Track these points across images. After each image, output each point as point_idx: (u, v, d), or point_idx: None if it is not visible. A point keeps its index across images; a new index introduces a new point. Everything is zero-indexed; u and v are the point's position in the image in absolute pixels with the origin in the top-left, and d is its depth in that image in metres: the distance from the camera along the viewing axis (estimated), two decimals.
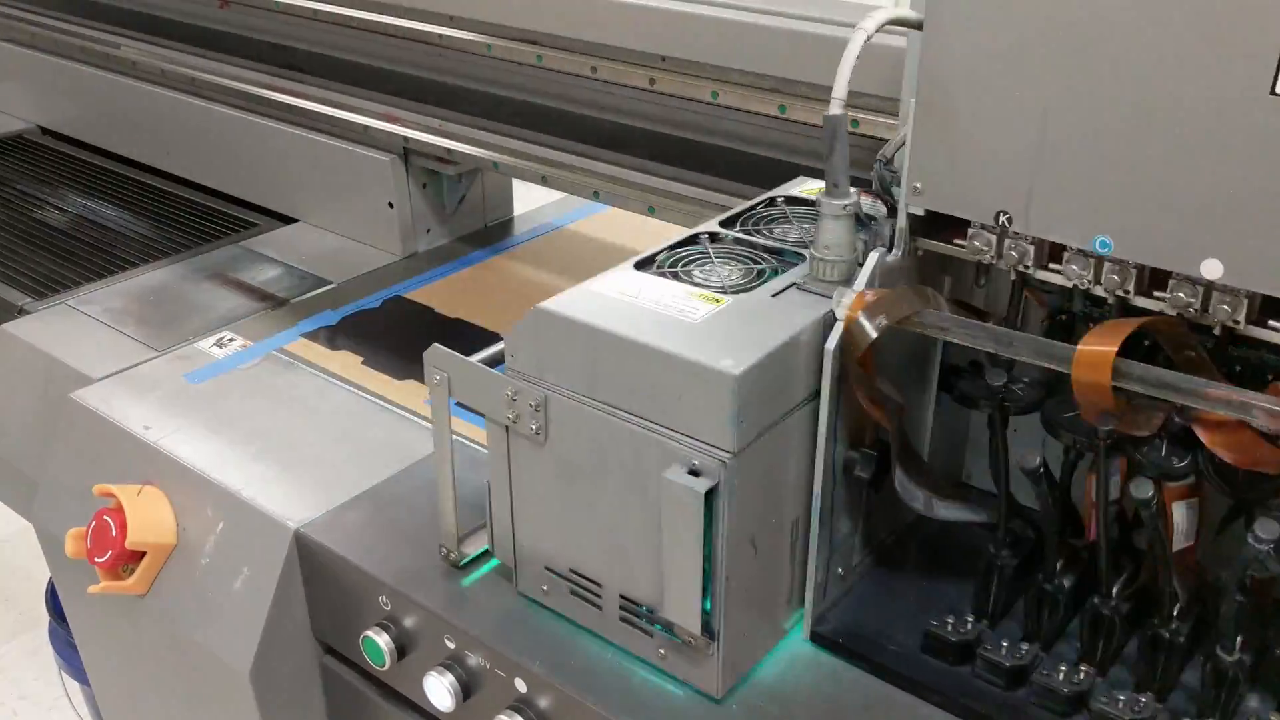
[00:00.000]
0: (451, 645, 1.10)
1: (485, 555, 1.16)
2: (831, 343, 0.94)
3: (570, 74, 1.65)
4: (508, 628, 1.08)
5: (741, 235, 1.14)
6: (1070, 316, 0.99)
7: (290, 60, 2.09)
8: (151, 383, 1.48)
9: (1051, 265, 0.93)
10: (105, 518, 1.29)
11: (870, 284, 0.96)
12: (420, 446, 1.33)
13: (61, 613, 1.95)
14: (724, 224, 1.16)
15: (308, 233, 1.97)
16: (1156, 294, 0.88)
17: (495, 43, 1.72)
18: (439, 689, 1.10)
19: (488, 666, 1.08)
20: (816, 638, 1.07)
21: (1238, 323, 0.84)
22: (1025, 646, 1.01)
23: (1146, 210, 0.84)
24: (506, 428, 1.05)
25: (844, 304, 0.94)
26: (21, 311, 1.71)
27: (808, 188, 1.26)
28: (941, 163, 0.94)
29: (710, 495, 0.91)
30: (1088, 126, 0.85)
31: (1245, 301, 0.83)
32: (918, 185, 0.95)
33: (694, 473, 0.92)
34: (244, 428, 1.38)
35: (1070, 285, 0.92)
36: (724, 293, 1.01)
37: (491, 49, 1.72)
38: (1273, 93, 0.76)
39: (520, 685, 1.05)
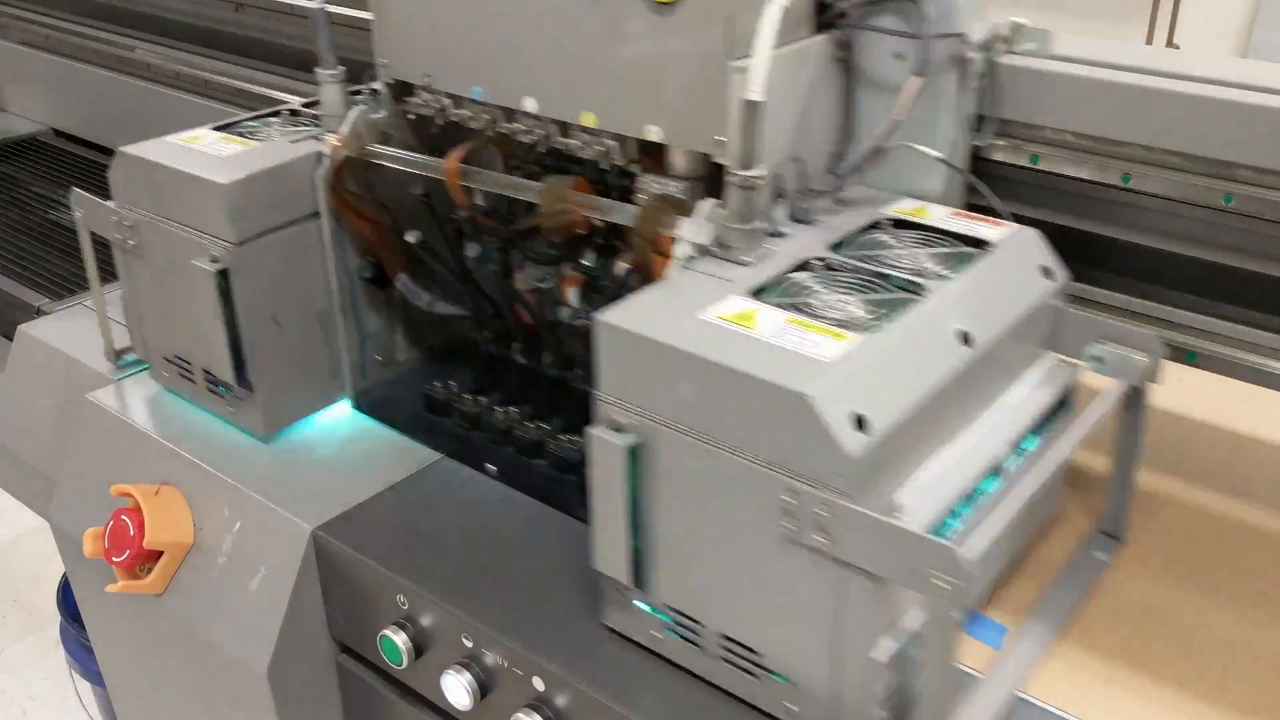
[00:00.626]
0: (469, 644, 1.11)
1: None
2: (319, 171, 1.30)
3: None
4: (525, 625, 1.09)
5: (317, 113, 1.38)
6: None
7: (304, 63, 2.10)
8: None
9: (463, 112, 1.26)
10: (123, 517, 1.30)
11: (353, 132, 1.29)
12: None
13: (74, 613, 1.96)
14: (306, 105, 1.45)
15: None
16: (514, 126, 1.22)
17: None
18: (456, 687, 1.10)
19: (505, 665, 1.08)
20: (358, 404, 1.42)
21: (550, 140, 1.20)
22: (484, 399, 1.32)
23: (491, 68, 1.19)
24: (120, 248, 1.41)
25: (326, 141, 1.30)
26: (39, 312, 1.72)
27: None
28: (390, 40, 1.29)
29: (225, 276, 1.26)
30: (455, 8, 1.19)
31: (554, 126, 1.19)
32: (384, 60, 1.30)
33: (213, 259, 1.26)
34: None
35: (473, 126, 1.25)
36: (261, 142, 1.34)
37: None
38: None
39: (538, 683, 1.06)
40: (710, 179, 1.10)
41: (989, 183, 1.21)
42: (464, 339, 1.37)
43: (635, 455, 0.94)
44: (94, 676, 2.06)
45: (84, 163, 2.39)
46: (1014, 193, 1.26)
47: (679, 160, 1.11)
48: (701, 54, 1.02)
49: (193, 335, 1.34)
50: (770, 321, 0.93)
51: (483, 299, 1.30)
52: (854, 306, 0.97)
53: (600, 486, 0.97)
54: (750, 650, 0.96)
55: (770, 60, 0.96)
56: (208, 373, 1.36)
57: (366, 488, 1.27)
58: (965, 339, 0.96)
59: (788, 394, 0.83)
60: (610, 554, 1.00)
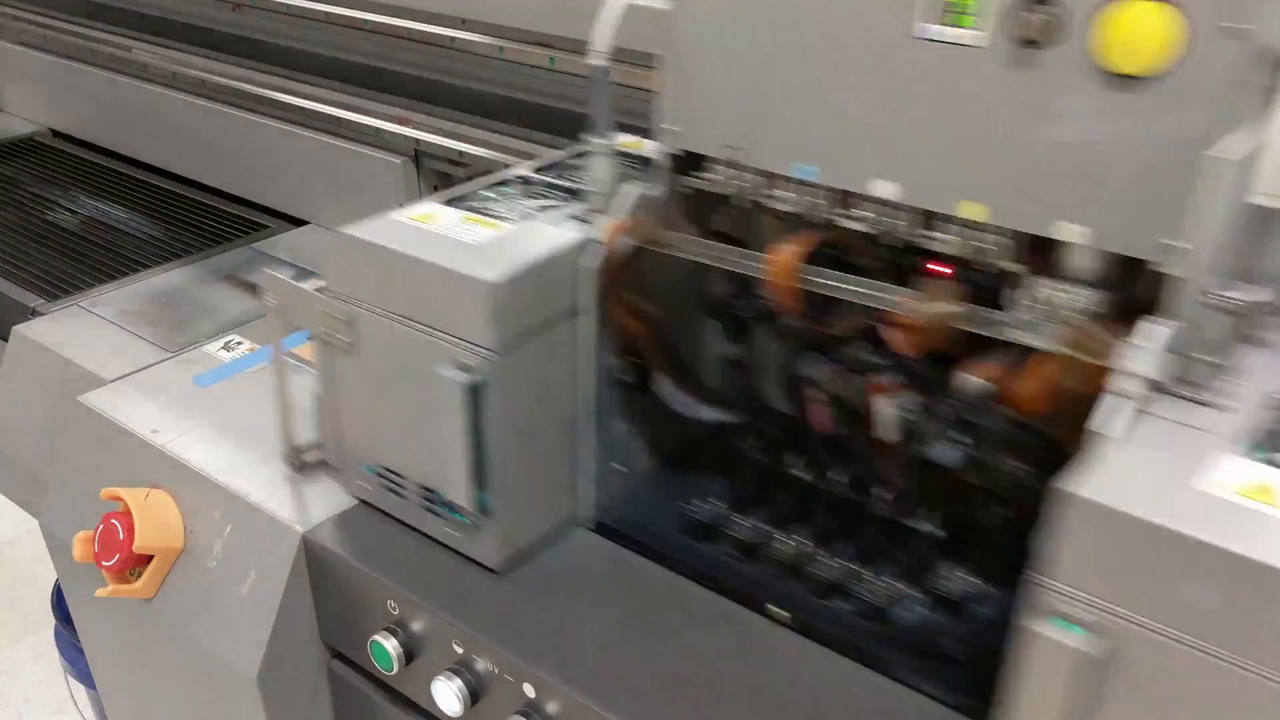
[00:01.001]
0: (460, 650, 1.09)
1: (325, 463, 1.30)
2: (588, 261, 1.10)
3: (584, 76, 1.64)
4: (517, 632, 1.07)
5: (550, 179, 1.27)
6: None
7: (302, 63, 2.09)
8: (160, 385, 1.48)
9: (776, 193, 1.07)
10: (113, 521, 1.28)
11: (634, 214, 1.11)
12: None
13: (68, 616, 1.95)
14: (539, 170, 1.30)
15: (318, 235, 1.96)
16: (853, 213, 1.03)
17: (508, 46, 1.71)
18: (447, 694, 1.09)
19: (496, 671, 1.07)
20: (596, 525, 1.22)
21: (908, 235, 1.00)
22: (760, 525, 1.16)
23: (835, 142, 1.00)
24: (326, 342, 1.19)
25: (600, 228, 1.10)
26: (34, 313, 1.71)
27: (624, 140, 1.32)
28: (686, 107, 1.09)
29: (477, 389, 1.05)
30: (785, 73, 1.00)
31: (915, 216, 0.99)
32: (671, 128, 1.10)
33: (464, 369, 1.05)
34: (252, 431, 1.38)
35: (788, 209, 1.07)
36: (507, 221, 1.15)
37: (504, 52, 1.72)
38: (911, 36, 0.91)
39: (529, 690, 1.04)
40: (1119, 289, 0.91)
41: None
42: (720, 449, 1.23)
43: (1096, 665, 0.75)
44: (89, 679, 2.05)
45: (81, 163, 2.39)
46: None
47: (1083, 264, 0.91)
48: (1171, 140, 0.82)
49: (416, 448, 1.15)
50: None
51: (759, 404, 1.17)
52: None
53: (1036, 697, 0.78)
54: None
55: None
56: (426, 490, 1.17)
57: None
58: None
59: None
60: None
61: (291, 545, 1.21)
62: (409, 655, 1.14)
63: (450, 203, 1.20)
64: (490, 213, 1.17)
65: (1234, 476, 0.75)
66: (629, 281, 1.11)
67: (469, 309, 1.04)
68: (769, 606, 1.08)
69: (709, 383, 1.24)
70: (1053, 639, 0.76)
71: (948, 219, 0.96)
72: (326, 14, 1.99)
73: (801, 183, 1.04)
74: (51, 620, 2.14)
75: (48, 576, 2.12)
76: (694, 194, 1.13)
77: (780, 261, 1.02)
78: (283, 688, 1.25)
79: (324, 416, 1.25)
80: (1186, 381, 0.83)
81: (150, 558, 1.29)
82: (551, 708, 1.03)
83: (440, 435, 1.08)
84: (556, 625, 1.08)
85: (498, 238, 1.11)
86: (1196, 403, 0.83)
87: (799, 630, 1.07)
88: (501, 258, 1.06)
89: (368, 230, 1.12)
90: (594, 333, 1.12)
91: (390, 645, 1.14)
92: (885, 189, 0.98)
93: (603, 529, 1.21)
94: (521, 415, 1.11)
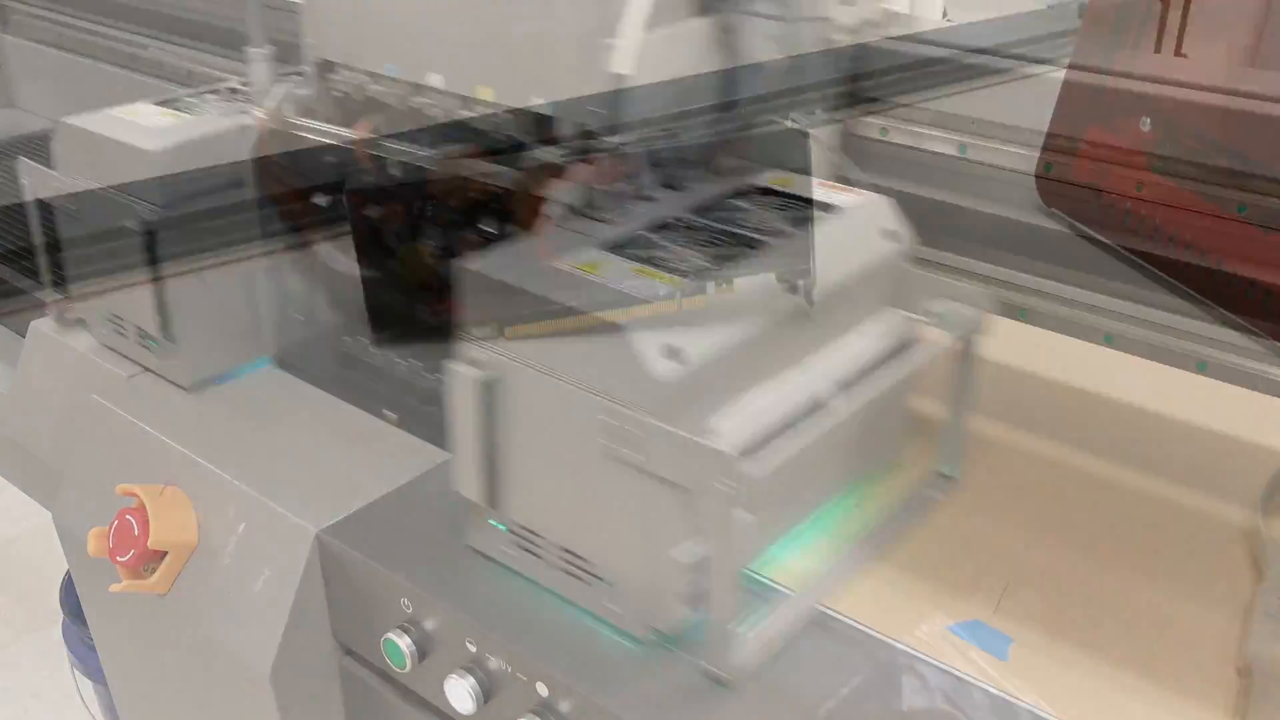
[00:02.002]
0: (473, 648, 1.10)
1: None
2: (246, 142, 1.40)
3: None
4: (531, 631, 1.08)
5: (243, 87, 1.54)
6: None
7: None
8: (176, 383, 1.49)
9: (376, 88, 1.33)
10: (128, 517, 1.29)
11: (279, 107, 1.39)
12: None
13: (77, 610, 1.96)
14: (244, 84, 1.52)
15: None
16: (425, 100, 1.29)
17: None
18: (460, 692, 1.10)
19: (509, 670, 1.08)
20: (278, 362, 1.53)
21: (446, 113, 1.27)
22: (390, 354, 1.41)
23: (402, 46, 1.28)
24: None
25: (253, 117, 1.40)
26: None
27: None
28: (316, 23, 1.37)
29: (153, 234, 1.35)
30: None
31: (456, 100, 1.25)
32: (310, 41, 1.38)
33: (144, 222, 1.36)
34: (267, 429, 1.39)
35: (387, 101, 1.32)
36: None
37: None
38: None
39: (542, 689, 1.05)
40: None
41: (857, 156, 1.37)
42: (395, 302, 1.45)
43: (489, 388, 1.05)
44: (96, 674, 2.06)
45: None
46: (878, 165, 1.42)
47: (567, 132, 1.19)
48: (582, 32, 1.11)
49: (124, 292, 1.47)
50: (614, 270, 1.04)
51: (391, 263, 1.39)
52: (699, 259, 1.08)
53: (458, 417, 1.08)
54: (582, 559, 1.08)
55: (640, 37, 1.06)
56: (139, 329, 1.48)
57: (371, 490, 1.27)
58: (793, 288, 1.08)
59: (610, 328, 0.96)
60: (467, 478, 1.11)
61: (305, 543, 1.22)
62: (422, 653, 1.15)
63: (159, 104, 1.51)
64: (187, 110, 1.49)
65: (579, 259, 1.06)
66: (283, 162, 1.39)
67: (141, 174, 1.37)
68: (385, 412, 1.39)
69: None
70: (460, 373, 1.05)
71: (476, 101, 1.23)
72: None
73: (390, 79, 1.30)
74: (57, 615, 2.15)
75: (52, 571, 2.13)
76: (344, 96, 1.38)
77: (356, 136, 1.31)
78: (295, 685, 1.25)
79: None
80: (593, 206, 1.15)
81: (164, 554, 1.30)
82: (564, 707, 1.04)
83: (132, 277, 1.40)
84: (570, 626, 1.09)
85: (175, 125, 1.43)
86: (596, 220, 1.13)
87: (409, 430, 1.36)
88: (168, 134, 1.39)
89: (82, 120, 1.47)
90: (258, 201, 1.40)
91: (403, 643, 1.15)
92: (435, 79, 1.25)
93: (282, 364, 1.52)
94: (200, 264, 1.41)
